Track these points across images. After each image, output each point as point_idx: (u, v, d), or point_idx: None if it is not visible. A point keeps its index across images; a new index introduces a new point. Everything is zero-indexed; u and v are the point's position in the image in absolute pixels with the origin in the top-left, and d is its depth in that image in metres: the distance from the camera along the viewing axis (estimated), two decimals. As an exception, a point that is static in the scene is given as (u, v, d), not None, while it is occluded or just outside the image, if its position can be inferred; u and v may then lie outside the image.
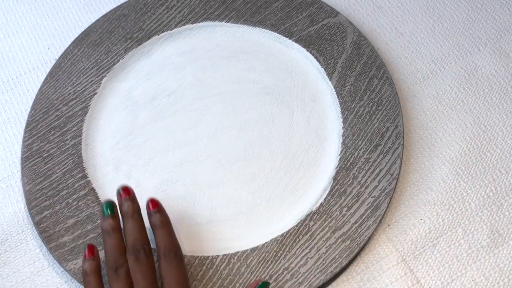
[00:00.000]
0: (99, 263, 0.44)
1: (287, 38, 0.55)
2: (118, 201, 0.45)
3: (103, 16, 0.57)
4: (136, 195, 0.49)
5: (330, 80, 0.52)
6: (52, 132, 0.52)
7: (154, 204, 0.45)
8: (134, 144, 0.51)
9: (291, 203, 0.48)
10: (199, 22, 0.56)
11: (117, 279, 0.42)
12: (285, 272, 0.45)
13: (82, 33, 0.56)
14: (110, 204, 0.45)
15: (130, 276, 0.42)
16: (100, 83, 0.54)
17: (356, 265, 0.46)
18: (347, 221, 0.46)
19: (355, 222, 0.46)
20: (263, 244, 0.46)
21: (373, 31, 0.56)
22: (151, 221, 0.44)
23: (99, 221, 0.47)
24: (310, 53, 0.54)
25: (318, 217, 0.47)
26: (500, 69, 0.54)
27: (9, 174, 0.52)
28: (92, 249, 0.44)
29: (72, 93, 0.53)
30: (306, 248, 0.46)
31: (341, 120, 0.51)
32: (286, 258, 0.46)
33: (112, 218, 0.44)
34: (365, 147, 0.49)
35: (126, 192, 0.45)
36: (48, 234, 0.47)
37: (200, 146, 0.51)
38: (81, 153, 0.51)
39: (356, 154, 0.49)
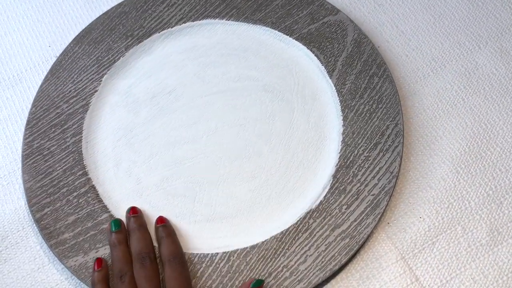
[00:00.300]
0: (106, 272, 0.45)
1: (288, 36, 0.55)
2: (126, 219, 0.47)
3: (104, 13, 0.57)
4: (137, 192, 0.49)
5: (331, 78, 0.52)
6: (53, 129, 0.52)
7: (161, 220, 0.47)
8: (134, 142, 0.52)
9: (291, 201, 0.48)
10: (199, 20, 0.56)
11: (122, 285, 0.43)
12: (285, 269, 0.45)
13: (83, 30, 0.56)
14: (117, 221, 0.47)
15: (134, 282, 0.43)
16: (101, 81, 0.54)
17: (356, 263, 0.46)
18: (346, 219, 0.47)
19: (355, 220, 0.46)
20: (263, 242, 0.46)
21: (373, 29, 0.56)
22: (158, 234, 0.46)
23: (99, 218, 0.48)
24: (311, 51, 0.54)
25: (317, 215, 0.47)
26: (500, 67, 0.53)
27: (9, 172, 0.52)
28: (100, 262, 0.45)
29: (73, 90, 0.53)
30: (306, 246, 0.46)
31: (341, 118, 0.51)
32: (286, 255, 0.46)
33: (118, 232, 0.46)
34: (365, 145, 0.49)
35: (133, 211, 0.47)
36: (48, 231, 0.47)
37: (200, 144, 0.51)
38: (81, 151, 0.51)
39: (356, 152, 0.49)
